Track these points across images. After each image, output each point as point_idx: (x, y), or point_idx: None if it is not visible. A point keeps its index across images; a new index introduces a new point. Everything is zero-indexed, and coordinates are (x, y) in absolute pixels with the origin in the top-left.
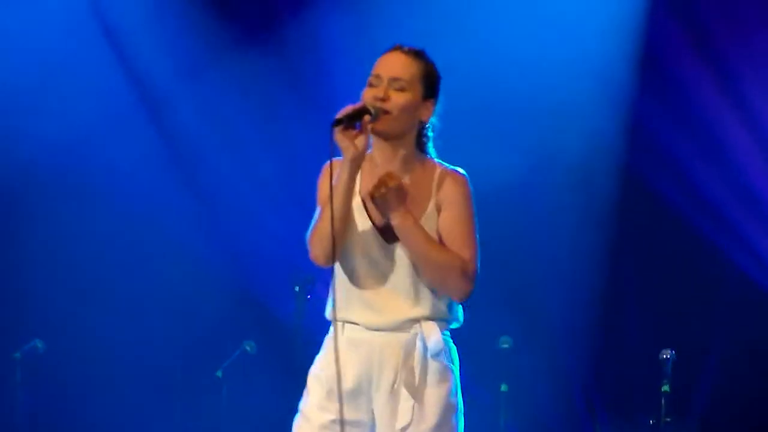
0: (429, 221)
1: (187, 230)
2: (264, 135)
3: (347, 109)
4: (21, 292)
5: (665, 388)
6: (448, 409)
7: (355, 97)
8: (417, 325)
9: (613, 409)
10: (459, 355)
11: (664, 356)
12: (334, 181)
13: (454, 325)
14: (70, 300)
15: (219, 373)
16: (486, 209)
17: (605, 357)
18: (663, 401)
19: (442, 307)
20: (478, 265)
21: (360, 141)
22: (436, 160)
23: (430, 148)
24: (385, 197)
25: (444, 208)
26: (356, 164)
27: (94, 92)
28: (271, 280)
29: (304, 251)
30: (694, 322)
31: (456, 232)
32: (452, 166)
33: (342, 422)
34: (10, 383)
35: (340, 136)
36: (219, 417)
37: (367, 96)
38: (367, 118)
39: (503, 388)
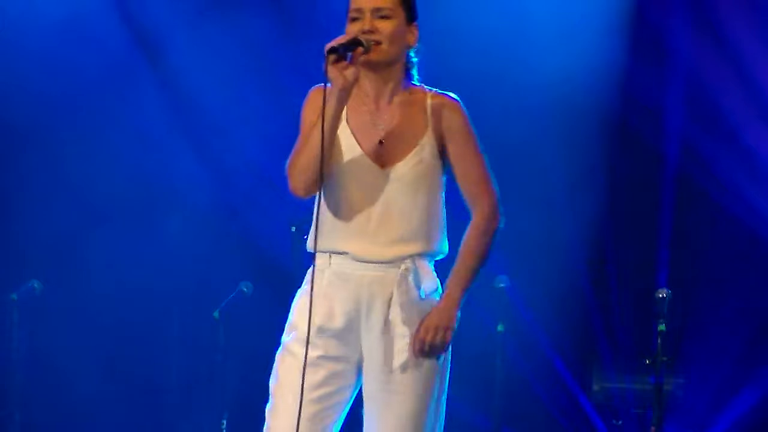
0: (423, 150)
1: (184, 173)
2: (262, 82)
3: (340, 38)
4: (18, 232)
5: (661, 327)
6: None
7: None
8: (409, 260)
9: (608, 350)
10: None
11: (660, 295)
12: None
13: (440, 257)
14: (68, 240)
15: (216, 314)
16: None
17: (601, 297)
18: (659, 341)
19: (436, 237)
20: (498, 193)
21: (350, 72)
22: (422, 85)
23: (415, 73)
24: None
25: (451, 141)
26: (345, 95)
27: (93, 40)
28: (267, 220)
29: None
30: (690, 260)
31: (475, 173)
32: (441, 91)
33: (305, 362)
34: (6, 324)
35: (330, 67)
36: (216, 358)
37: (354, 30)
38: (359, 50)
39: (499, 328)
